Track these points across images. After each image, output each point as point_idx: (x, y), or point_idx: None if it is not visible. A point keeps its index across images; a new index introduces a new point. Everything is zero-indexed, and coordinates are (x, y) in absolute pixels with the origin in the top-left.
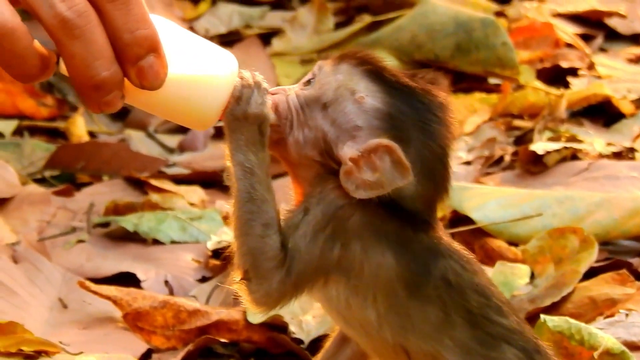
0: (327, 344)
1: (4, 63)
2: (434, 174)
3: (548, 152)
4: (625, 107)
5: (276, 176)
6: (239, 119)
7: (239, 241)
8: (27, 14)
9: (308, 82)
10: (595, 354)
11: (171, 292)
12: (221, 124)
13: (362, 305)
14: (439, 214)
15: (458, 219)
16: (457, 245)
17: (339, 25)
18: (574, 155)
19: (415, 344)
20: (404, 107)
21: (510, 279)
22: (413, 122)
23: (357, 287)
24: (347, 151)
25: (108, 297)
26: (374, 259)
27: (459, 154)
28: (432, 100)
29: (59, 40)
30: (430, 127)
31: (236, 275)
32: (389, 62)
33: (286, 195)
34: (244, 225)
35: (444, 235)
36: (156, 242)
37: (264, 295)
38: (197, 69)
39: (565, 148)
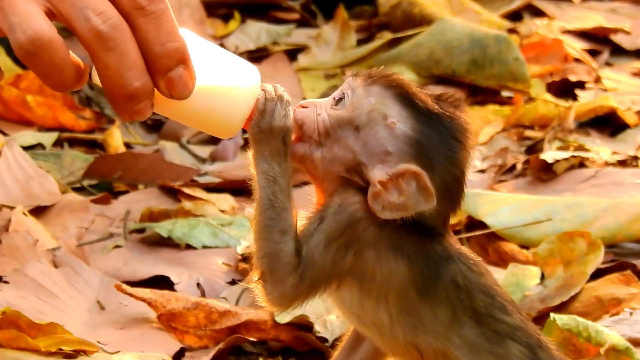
0: (342, 343)
1: (41, 73)
2: (453, 194)
3: (557, 161)
4: (630, 118)
5: (298, 184)
6: (265, 131)
7: (258, 245)
8: (64, 28)
9: (339, 100)
10: (602, 350)
11: (203, 294)
12: (245, 134)
13: (375, 307)
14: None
15: (473, 224)
16: (464, 249)
17: (361, 42)
18: (582, 164)
19: (425, 342)
20: (431, 134)
21: (522, 280)
22: (438, 149)
23: (370, 291)
24: (377, 173)
25: (143, 299)
26: (386, 265)
27: (474, 163)
28: (456, 126)
29: (94, 52)
30: (453, 154)
31: (254, 275)
32: (409, 78)
33: (307, 202)
34: (263, 230)
35: (452, 239)
36: (189, 247)
37: (279, 297)
38: (222, 80)
39: (574, 157)
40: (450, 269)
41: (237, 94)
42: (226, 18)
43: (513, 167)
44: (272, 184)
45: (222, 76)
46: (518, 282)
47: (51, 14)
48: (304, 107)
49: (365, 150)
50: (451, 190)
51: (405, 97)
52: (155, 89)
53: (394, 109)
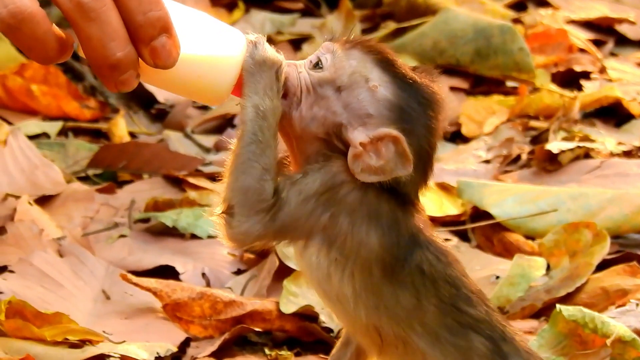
0: (335, 347)
1: (24, 47)
2: (427, 164)
3: (562, 151)
4: (635, 108)
5: None
6: (259, 62)
7: (233, 177)
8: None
9: (317, 64)
10: (608, 342)
11: (208, 284)
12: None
13: (340, 279)
14: (461, 209)
15: (478, 214)
16: (436, 237)
17: (365, 32)
18: (587, 154)
19: (387, 326)
20: (411, 102)
21: (528, 271)
22: (418, 116)
23: (337, 260)
24: (358, 135)
25: (148, 289)
26: (357, 235)
27: (479, 153)
28: (433, 96)
29: (76, 23)
30: (431, 123)
31: (218, 207)
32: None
33: None
34: (244, 163)
35: (427, 226)
36: (194, 236)
37: (243, 233)
38: (207, 47)
39: (579, 147)
40: (417, 254)
41: (223, 60)
42: (230, 7)
43: (518, 157)
44: (260, 118)
45: (207, 43)
46: (523, 273)
47: None
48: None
49: (346, 111)
50: (425, 159)
51: (385, 63)
52: (140, 59)
53: (375, 73)
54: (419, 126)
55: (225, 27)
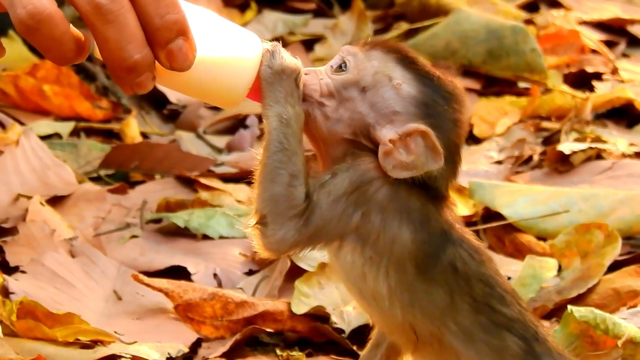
0: (365, 349)
1: (42, 47)
2: (455, 157)
3: (574, 152)
4: None
5: None
6: (277, 72)
7: (263, 187)
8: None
9: (339, 68)
10: (619, 343)
11: (220, 285)
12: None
13: (375, 277)
14: (473, 210)
15: (490, 215)
16: (468, 234)
17: (377, 32)
18: (599, 155)
19: (422, 323)
20: (435, 97)
21: (539, 272)
22: (443, 110)
23: (372, 258)
24: (386, 133)
25: (160, 290)
26: (390, 231)
27: (491, 154)
28: (456, 91)
29: (93, 25)
30: (456, 116)
31: (252, 219)
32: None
33: None
34: (272, 172)
35: (458, 223)
36: (205, 237)
37: (278, 241)
38: (223, 50)
39: (591, 148)
40: (450, 251)
41: (238, 63)
42: (243, 8)
43: (530, 158)
44: (284, 126)
45: (224, 46)
46: (535, 274)
47: None
48: (305, 74)
49: (373, 111)
50: (454, 152)
51: (406, 61)
52: (156, 61)
53: (398, 71)
54: (445, 120)
55: (240, 30)
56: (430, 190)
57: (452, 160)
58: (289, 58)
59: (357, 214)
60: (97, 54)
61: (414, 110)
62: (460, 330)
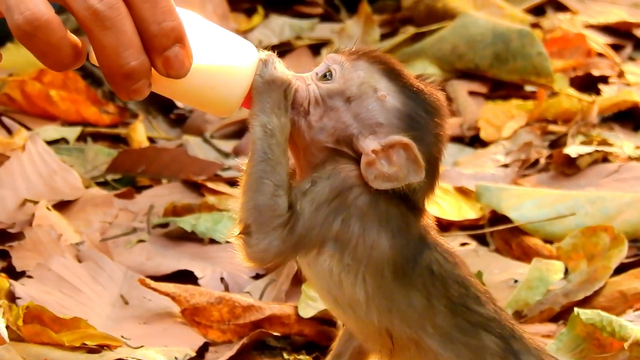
0: (334, 344)
1: (39, 53)
2: (435, 171)
3: (581, 155)
4: None
5: None
6: (267, 81)
7: (247, 196)
8: (60, 7)
9: (324, 76)
10: (626, 345)
11: (227, 289)
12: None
13: (353, 284)
14: (480, 213)
15: (496, 218)
16: (441, 239)
17: (384, 37)
18: (605, 158)
19: (399, 328)
20: (419, 110)
21: (546, 275)
22: (426, 124)
23: (350, 265)
24: (369, 144)
25: (167, 294)
26: (369, 238)
27: (498, 157)
28: (439, 105)
29: (91, 31)
30: (438, 130)
31: (235, 229)
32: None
33: None
34: (256, 181)
35: (431, 228)
36: (212, 241)
37: (262, 251)
38: (220, 58)
39: (597, 151)
40: (426, 255)
41: (234, 71)
42: (249, 12)
43: (536, 161)
44: (268, 137)
45: (220, 54)
46: (542, 277)
47: None
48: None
49: (357, 121)
50: (434, 166)
51: (391, 73)
52: (152, 68)
53: (383, 83)
54: (428, 133)
55: (237, 39)
56: (409, 202)
57: (432, 174)
58: (280, 69)
59: (337, 220)
60: (93, 60)
61: (397, 123)
62: (438, 332)
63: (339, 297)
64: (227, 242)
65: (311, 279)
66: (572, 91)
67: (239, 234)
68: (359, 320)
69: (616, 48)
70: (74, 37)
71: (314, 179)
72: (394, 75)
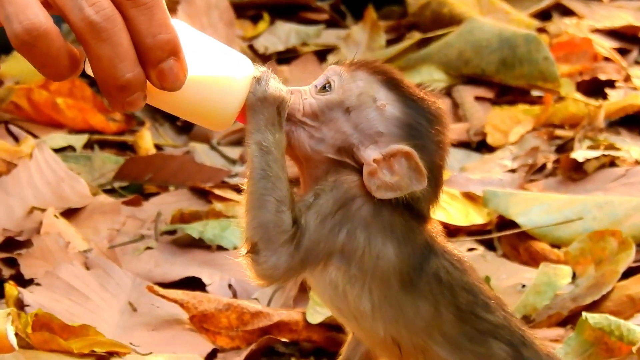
0: (343, 350)
1: (38, 63)
2: (438, 179)
3: (588, 160)
4: None
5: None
6: (260, 99)
7: (251, 215)
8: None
9: (323, 88)
10: (634, 349)
11: (235, 295)
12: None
13: (358, 296)
14: (487, 218)
15: (504, 223)
16: (450, 246)
17: (390, 42)
18: (612, 163)
19: (407, 337)
20: (419, 118)
21: (554, 279)
22: (427, 132)
23: (356, 277)
24: (370, 153)
25: (175, 301)
26: (374, 248)
27: (505, 162)
28: (440, 112)
29: (87, 43)
30: (440, 138)
31: (243, 248)
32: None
33: None
34: (258, 199)
35: (439, 235)
36: (220, 248)
37: (271, 268)
38: (215, 72)
39: (604, 156)
40: (433, 263)
41: (229, 85)
42: (255, 19)
43: (543, 166)
44: (265, 153)
45: (215, 68)
46: (550, 282)
47: (47, 4)
48: (290, 93)
49: (357, 131)
50: (437, 174)
51: (390, 82)
52: (147, 80)
53: (382, 92)
54: (429, 141)
55: (232, 53)
56: (413, 210)
57: (435, 182)
58: (274, 86)
59: (342, 232)
60: (89, 71)
61: (397, 132)
62: (446, 340)
63: (343, 308)
64: (235, 248)
65: (315, 290)
66: (578, 96)
67: (247, 252)
68: (364, 330)
69: (622, 52)
70: (71, 47)
71: (317, 191)
72: (393, 84)
